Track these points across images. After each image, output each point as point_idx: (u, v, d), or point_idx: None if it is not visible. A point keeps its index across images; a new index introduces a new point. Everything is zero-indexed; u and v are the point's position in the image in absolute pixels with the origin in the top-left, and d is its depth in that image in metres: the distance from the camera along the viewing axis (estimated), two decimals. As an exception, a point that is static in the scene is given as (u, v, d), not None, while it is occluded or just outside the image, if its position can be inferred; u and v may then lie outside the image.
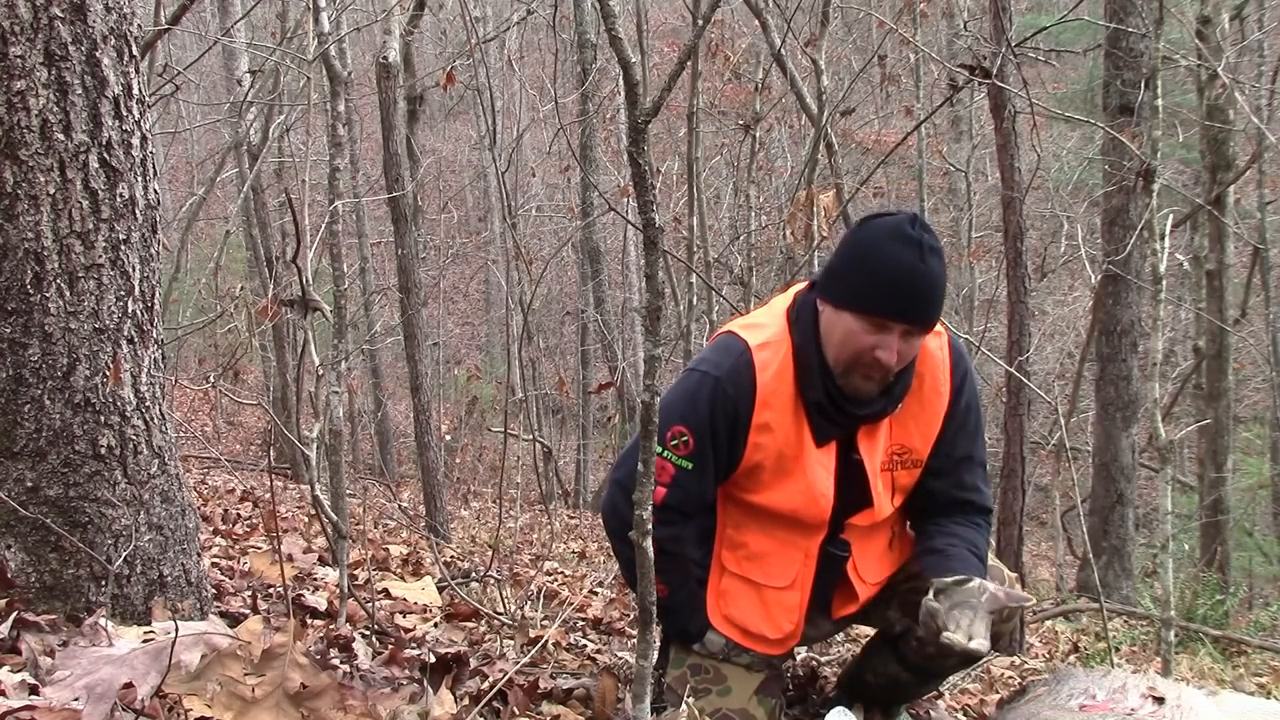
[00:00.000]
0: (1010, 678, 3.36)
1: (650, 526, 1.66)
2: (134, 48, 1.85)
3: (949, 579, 1.90)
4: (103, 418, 1.81)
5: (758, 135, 6.49)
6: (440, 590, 3.15)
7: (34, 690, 1.45)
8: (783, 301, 2.09)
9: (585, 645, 2.82)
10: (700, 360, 2.05)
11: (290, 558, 3.10)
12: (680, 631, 2.14)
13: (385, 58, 5.82)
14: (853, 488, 2.01)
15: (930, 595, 1.88)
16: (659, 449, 1.96)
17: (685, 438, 1.97)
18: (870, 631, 2.36)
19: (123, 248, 1.83)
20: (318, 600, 2.63)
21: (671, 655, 2.17)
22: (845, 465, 2.01)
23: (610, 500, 2.14)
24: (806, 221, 3.54)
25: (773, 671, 2.12)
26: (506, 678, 2.02)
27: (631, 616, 3.29)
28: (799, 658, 2.72)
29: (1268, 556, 10.76)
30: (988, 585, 1.89)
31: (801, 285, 2.09)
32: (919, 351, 1.99)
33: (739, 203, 10.38)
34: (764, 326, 2.04)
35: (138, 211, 1.85)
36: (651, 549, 1.67)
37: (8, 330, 1.73)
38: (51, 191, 1.73)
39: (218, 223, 13.25)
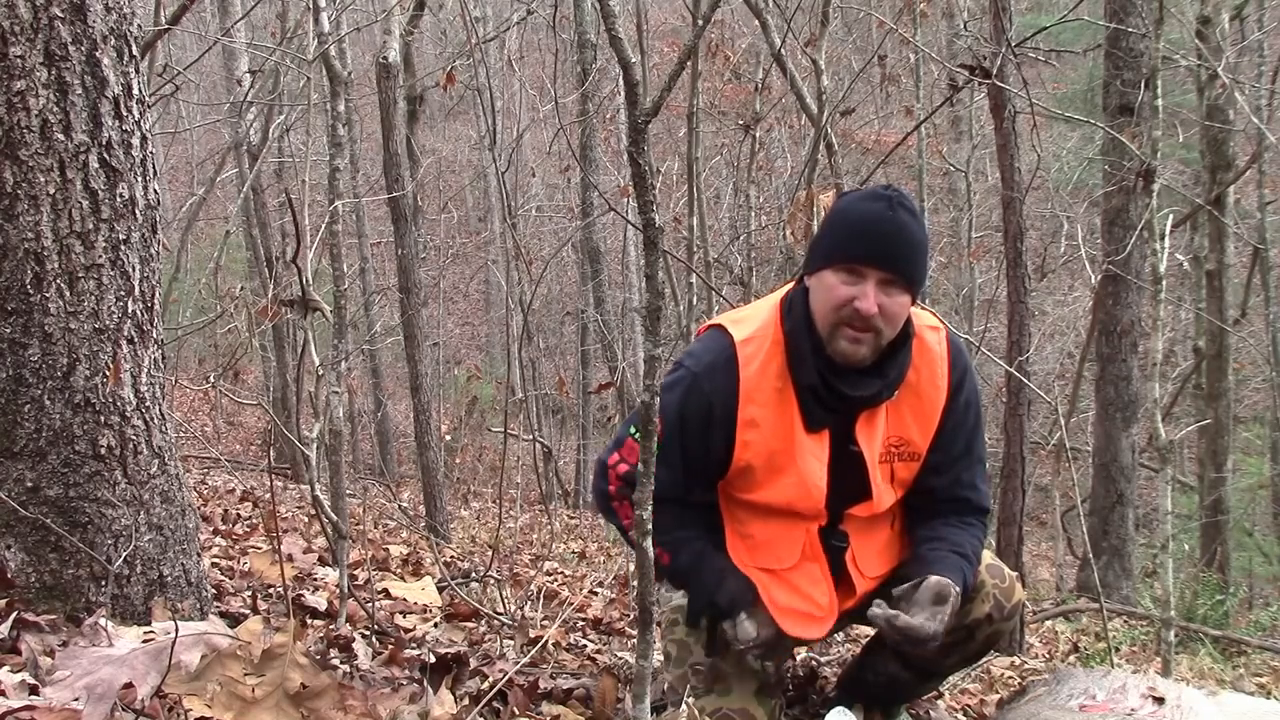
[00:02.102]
0: (1010, 678, 3.36)
1: (650, 527, 1.66)
2: (134, 48, 1.85)
3: (905, 586, 1.91)
4: (103, 418, 1.81)
5: (758, 135, 6.49)
6: (440, 590, 3.15)
7: (34, 690, 1.45)
8: (776, 295, 2.10)
9: (585, 645, 2.82)
10: (687, 354, 2.08)
11: (290, 558, 3.10)
12: (710, 604, 2.03)
13: (385, 58, 5.83)
14: (851, 478, 2.01)
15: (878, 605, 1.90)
16: (632, 430, 2.00)
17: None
18: (870, 631, 2.36)
19: (123, 248, 1.83)
20: (318, 600, 2.63)
21: (673, 655, 2.16)
22: (843, 456, 2.01)
23: (593, 476, 2.21)
24: (806, 221, 3.53)
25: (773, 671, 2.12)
26: (506, 678, 2.02)
27: (631, 616, 3.29)
28: (799, 657, 2.72)
29: (1268, 556, 10.76)
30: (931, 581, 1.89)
31: (793, 284, 2.10)
32: (914, 338, 2.00)
33: (739, 203, 10.38)
34: (751, 320, 2.05)
35: (138, 211, 1.85)
36: (650, 546, 1.67)
37: (8, 330, 1.73)
38: (51, 191, 1.73)
39: (218, 223, 13.26)
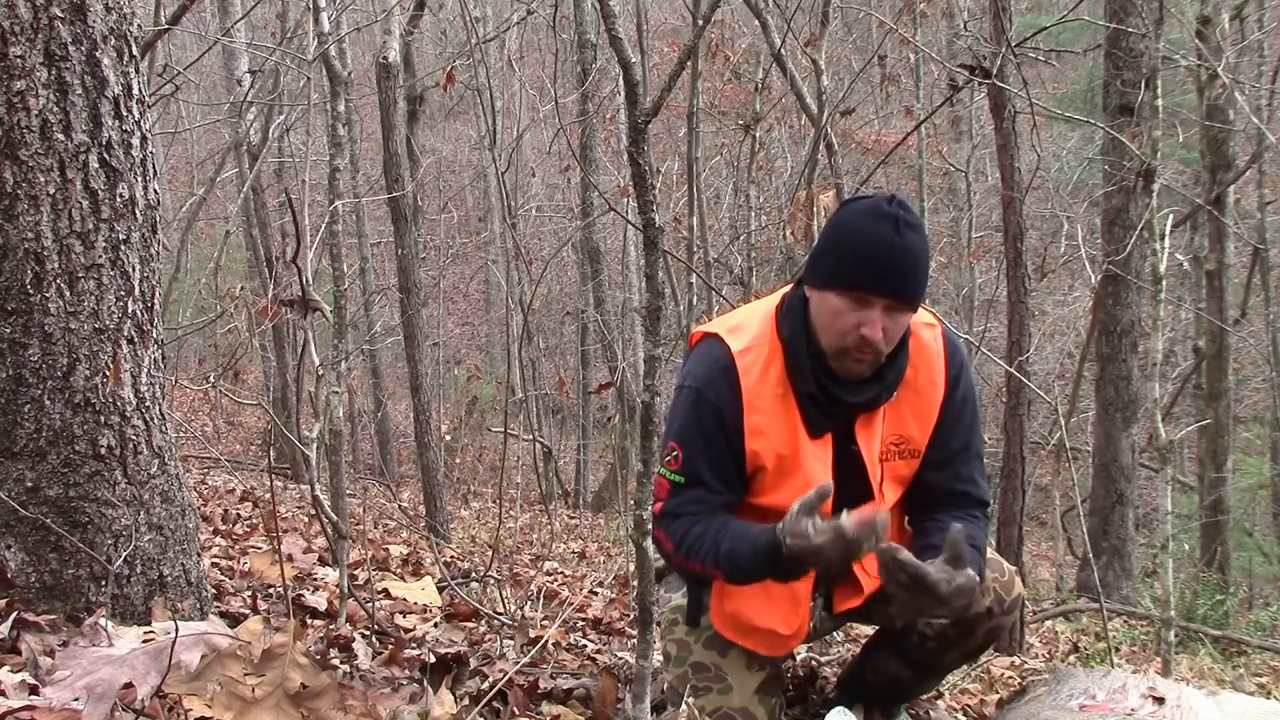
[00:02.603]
0: (1010, 678, 3.36)
1: (650, 527, 1.67)
2: (134, 48, 1.85)
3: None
4: (103, 418, 1.81)
5: (758, 135, 6.48)
6: (440, 590, 3.15)
7: (34, 690, 1.45)
8: (771, 300, 2.09)
9: (585, 645, 2.82)
10: (685, 374, 2.06)
11: (290, 558, 3.10)
12: (770, 567, 1.91)
13: (385, 58, 5.83)
14: (852, 480, 2.01)
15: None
16: (658, 467, 1.99)
17: (675, 453, 2.00)
18: (870, 631, 2.37)
19: (123, 248, 1.83)
20: (318, 600, 2.63)
21: (673, 655, 2.17)
22: (843, 457, 2.01)
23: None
24: (806, 221, 3.53)
25: (773, 671, 2.12)
26: (506, 678, 2.02)
27: (631, 616, 3.29)
28: (799, 658, 2.72)
29: (1268, 556, 10.76)
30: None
31: (789, 287, 2.09)
32: (910, 336, 2.00)
33: (739, 203, 10.37)
34: (746, 327, 2.04)
35: (138, 211, 1.85)
36: (651, 549, 1.67)
37: (8, 330, 1.73)
38: (51, 191, 1.73)
39: (218, 223, 13.25)
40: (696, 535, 1.97)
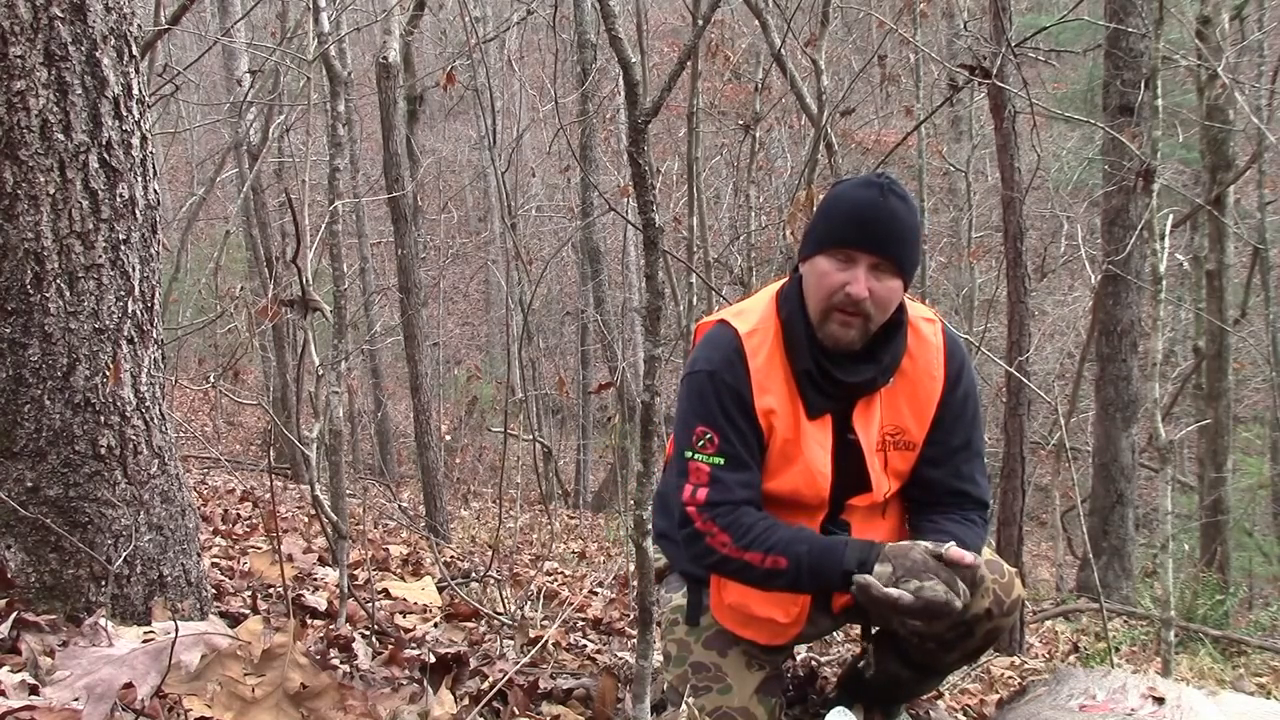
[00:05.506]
0: (1010, 678, 3.36)
1: (650, 527, 1.67)
2: (134, 48, 1.85)
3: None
4: (103, 418, 1.81)
5: (758, 135, 6.48)
6: (440, 590, 3.15)
7: (34, 690, 1.45)
8: (773, 287, 2.13)
9: (585, 645, 2.82)
10: (695, 361, 2.08)
11: (290, 558, 3.10)
12: (848, 570, 1.89)
13: (385, 58, 5.83)
14: (850, 468, 2.03)
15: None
16: (689, 454, 1.99)
17: (709, 435, 1.99)
18: (869, 631, 2.36)
19: (123, 248, 1.83)
20: (318, 600, 2.63)
21: (673, 655, 2.17)
22: (842, 445, 2.02)
23: (665, 526, 2.14)
24: (806, 221, 3.53)
25: (773, 670, 2.12)
26: (506, 678, 2.02)
27: (631, 616, 3.29)
28: (799, 658, 2.72)
29: (1268, 556, 10.76)
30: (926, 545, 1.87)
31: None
32: (908, 327, 2.02)
33: (739, 203, 10.38)
34: (751, 312, 2.08)
35: (138, 211, 1.85)
36: (652, 549, 1.67)
37: (8, 330, 1.73)
38: (51, 191, 1.73)
39: (218, 223, 13.26)
40: (765, 527, 1.94)
